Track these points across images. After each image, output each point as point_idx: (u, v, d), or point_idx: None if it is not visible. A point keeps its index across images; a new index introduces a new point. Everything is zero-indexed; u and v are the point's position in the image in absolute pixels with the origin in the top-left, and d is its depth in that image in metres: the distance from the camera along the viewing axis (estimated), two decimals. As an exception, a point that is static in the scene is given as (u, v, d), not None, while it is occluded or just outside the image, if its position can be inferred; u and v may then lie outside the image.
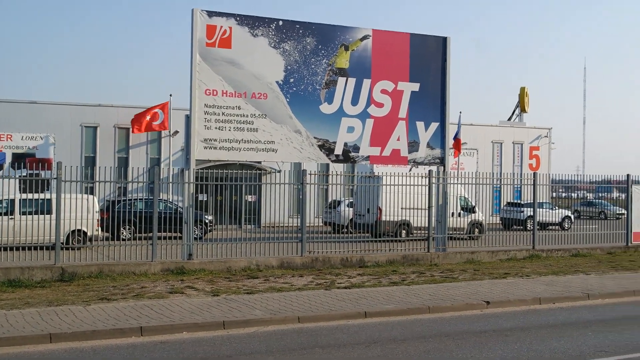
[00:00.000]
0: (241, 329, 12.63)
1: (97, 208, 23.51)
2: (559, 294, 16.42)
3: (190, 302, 14.52)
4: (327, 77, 21.81)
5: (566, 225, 35.77)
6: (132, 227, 23.00)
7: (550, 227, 33.36)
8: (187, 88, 20.48)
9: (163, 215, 20.87)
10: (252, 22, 20.92)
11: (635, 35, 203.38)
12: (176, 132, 40.36)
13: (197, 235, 24.06)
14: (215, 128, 20.44)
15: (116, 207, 25.85)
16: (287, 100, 21.28)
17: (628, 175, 27.03)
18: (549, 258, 24.13)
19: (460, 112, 40.33)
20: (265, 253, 20.83)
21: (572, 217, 37.67)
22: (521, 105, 55.77)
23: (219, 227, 24.58)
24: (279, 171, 23.34)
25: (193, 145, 20.25)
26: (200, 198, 24.37)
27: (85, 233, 22.76)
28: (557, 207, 35.94)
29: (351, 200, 30.42)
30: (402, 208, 23.85)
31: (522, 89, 55.80)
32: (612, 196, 33.81)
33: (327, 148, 21.91)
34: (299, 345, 11.41)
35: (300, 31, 21.52)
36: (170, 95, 38.27)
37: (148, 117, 37.34)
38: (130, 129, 38.57)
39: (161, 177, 22.90)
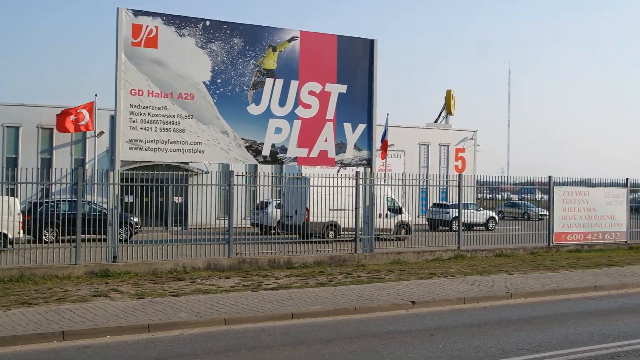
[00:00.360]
0: (166, 332, 12.48)
1: (18, 210, 22.93)
2: (483, 293, 16.69)
3: (115, 306, 14.29)
4: (254, 78, 21.73)
5: (491, 226, 36.36)
6: (56, 229, 22.50)
7: (476, 227, 33.85)
8: (112, 88, 20.15)
9: (87, 217, 20.48)
10: (179, 22, 20.70)
11: (558, 39, 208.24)
12: (101, 132, 39.74)
13: (122, 237, 23.69)
14: (141, 129, 20.16)
15: (39, 209, 25.26)
16: (214, 101, 21.12)
17: (550, 177, 27.66)
18: (474, 258, 24.51)
19: (388, 114, 40.71)
20: (192, 255, 20.65)
21: (497, 218, 38.33)
22: (447, 108, 56.62)
23: (146, 229, 24.25)
24: (207, 172, 23.22)
25: (118, 145, 19.94)
26: (126, 199, 23.98)
27: (6, 235, 22.14)
28: (482, 208, 36.53)
29: (279, 201, 30.39)
30: (329, 209, 23.94)
31: (449, 92, 56.66)
32: (535, 197, 34.52)
33: (254, 149, 21.82)
34: (225, 348, 11.34)
35: (228, 32, 21.40)
36: (96, 95, 37.72)
37: (73, 117, 36.67)
38: (54, 129, 37.83)
39: (86, 179, 22.45)
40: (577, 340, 11.94)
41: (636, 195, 43.75)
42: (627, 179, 29.80)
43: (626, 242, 29.29)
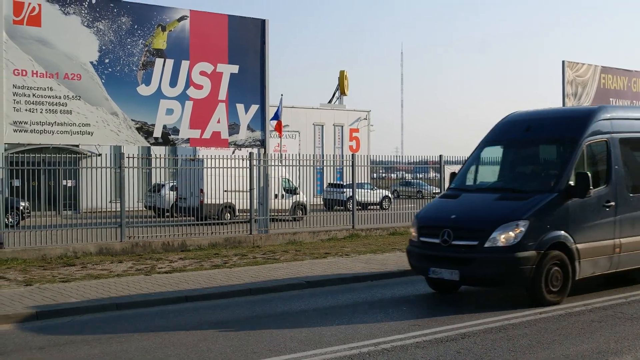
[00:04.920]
0: (56, 319, 12.12)
1: None
2: (376, 271, 16.87)
3: (1, 293, 13.78)
4: (144, 58, 21.25)
5: (385, 205, 36.90)
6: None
7: (371, 207, 34.37)
8: (-5, 68, 19.34)
9: (-29, 203, 19.66)
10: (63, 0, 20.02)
11: (448, 20, 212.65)
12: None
13: (10, 222, 22.87)
14: (26, 110, 19.43)
15: None
16: (103, 81, 20.54)
17: (440, 156, 28.20)
18: (368, 237, 24.79)
19: (282, 95, 40.64)
20: (84, 240, 20.14)
21: (391, 197, 38.94)
22: (341, 88, 57.00)
23: (36, 214, 23.50)
24: (99, 155, 22.59)
25: (2, 128, 19.15)
26: (13, 184, 23.14)
27: None
28: (376, 188, 37.05)
29: (174, 183, 29.98)
30: (225, 191, 23.77)
31: (342, 72, 56.99)
32: (428, 176, 35.18)
33: (145, 130, 21.38)
34: (116, 333, 11.08)
35: (115, 10, 20.81)
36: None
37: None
38: None
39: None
40: (467, 314, 12.20)
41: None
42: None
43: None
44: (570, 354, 9.50)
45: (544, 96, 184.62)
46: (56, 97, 19.84)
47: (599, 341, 10.18)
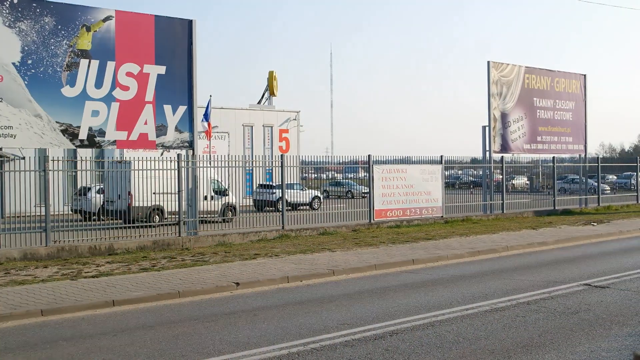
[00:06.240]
0: (-23, 327, 11.83)
1: None
2: (306, 271, 16.91)
3: None
4: (68, 59, 20.86)
5: (315, 205, 36.95)
6: None
7: (301, 207, 34.37)
8: None
9: None
10: (-16, -1, 19.53)
11: (375, 18, 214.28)
12: None
13: None
14: (-55, 112, 18.92)
15: None
16: (26, 82, 20.10)
17: (369, 156, 28.42)
18: (298, 237, 24.83)
19: (211, 96, 40.40)
20: (7, 245, 19.70)
21: (322, 197, 39.01)
22: (270, 89, 56.91)
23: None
24: (23, 158, 22.08)
25: None
26: None
27: None
28: (307, 188, 37.07)
29: (101, 186, 29.51)
30: (153, 193, 23.54)
31: (271, 73, 56.91)
32: (358, 176, 35.37)
33: (70, 133, 20.99)
34: (41, 340, 10.86)
35: (38, 10, 20.38)
36: None
37: None
38: None
39: None
40: (395, 312, 12.33)
41: (452, 172, 45.84)
42: (441, 156, 31.12)
43: (442, 216, 30.62)
44: (496, 349, 9.69)
45: (469, 98, 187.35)
46: (-23, 99, 19.35)
47: (523, 336, 10.41)
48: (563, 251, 21.49)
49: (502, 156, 34.42)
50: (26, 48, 20.18)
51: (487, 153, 34.21)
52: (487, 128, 34.26)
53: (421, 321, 11.49)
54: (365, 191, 31.12)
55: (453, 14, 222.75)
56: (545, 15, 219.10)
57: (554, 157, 37.34)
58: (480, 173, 36.41)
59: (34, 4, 20.37)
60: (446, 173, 33.37)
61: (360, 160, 30.25)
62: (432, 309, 12.46)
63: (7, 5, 19.83)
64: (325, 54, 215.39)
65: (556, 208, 36.25)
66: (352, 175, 41.84)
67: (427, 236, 24.69)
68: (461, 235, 25.06)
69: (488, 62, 33.93)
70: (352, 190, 44.13)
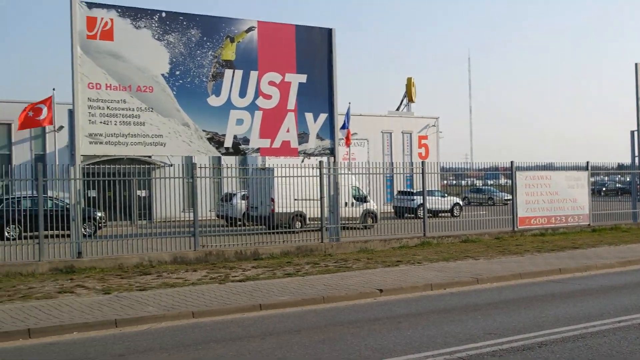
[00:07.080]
0: (134, 327, 12.30)
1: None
2: (449, 279, 16.71)
3: (81, 302, 14.08)
4: (213, 69, 21.54)
5: (456, 212, 36.53)
6: (18, 226, 22.10)
7: (441, 214, 34.09)
8: (70, 82, 19.80)
9: (50, 213, 20.19)
10: (134, 14, 20.45)
11: (515, 27, 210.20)
12: (61, 127, 39.21)
13: (87, 232, 23.40)
14: (101, 122, 19.90)
15: (0, 206, 24.83)
16: (174, 93, 20.91)
17: (512, 162, 27.81)
18: (440, 245, 24.58)
19: (350, 103, 40.72)
20: (158, 249, 20.49)
21: (462, 204, 38.54)
22: (408, 96, 56.80)
23: (111, 224, 23.97)
24: (171, 165, 22.95)
25: (78, 140, 19.66)
26: (89, 194, 23.67)
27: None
28: (447, 195, 36.73)
29: (245, 192, 30.22)
30: (295, 199, 23.89)
31: (409, 80, 56.78)
32: (499, 182, 34.75)
33: (216, 141, 21.66)
34: (193, 341, 11.19)
35: (184, 23, 21.16)
36: (54, 89, 37.21)
37: (31, 113, 36.09)
38: (13, 125, 37.27)
39: (47, 174, 22.12)
40: (543, 323, 11.97)
41: (597, 178, 44.20)
42: (587, 162, 30.06)
43: (589, 224, 29.57)
44: (654, 362, 9.25)
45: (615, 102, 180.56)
46: (129, 109, 20.27)
47: (683, 349, 9.89)
48: None
49: (653, 162, 32.87)
50: (174, 60, 20.97)
51: (637, 159, 32.77)
52: (635, 133, 32.82)
53: (571, 332, 11.10)
54: (507, 198, 30.50)
55: (600, 17, 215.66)
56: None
57: None
58: (628, 179, 34.91)
59: (181, 17, 21.15)
60: (593, 179, 32.19)
61: (501, 166, 29.67)
62: (582, 320, 12.02)
63: (156, 19, 20.67)
64: (464, 58, 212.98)
65: None
66: (492, 182, 41.11)
67: (574, 245, 23.91)
68: (610, 244, 24.13)
69: (636, 64, 32.48)
70: (493, 197, 43.32)
